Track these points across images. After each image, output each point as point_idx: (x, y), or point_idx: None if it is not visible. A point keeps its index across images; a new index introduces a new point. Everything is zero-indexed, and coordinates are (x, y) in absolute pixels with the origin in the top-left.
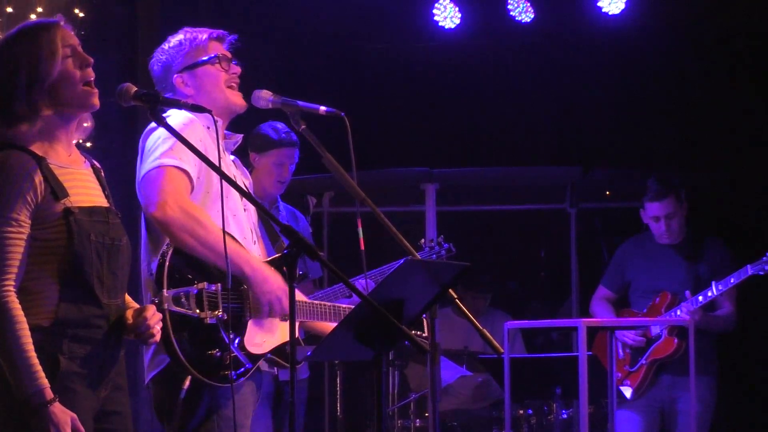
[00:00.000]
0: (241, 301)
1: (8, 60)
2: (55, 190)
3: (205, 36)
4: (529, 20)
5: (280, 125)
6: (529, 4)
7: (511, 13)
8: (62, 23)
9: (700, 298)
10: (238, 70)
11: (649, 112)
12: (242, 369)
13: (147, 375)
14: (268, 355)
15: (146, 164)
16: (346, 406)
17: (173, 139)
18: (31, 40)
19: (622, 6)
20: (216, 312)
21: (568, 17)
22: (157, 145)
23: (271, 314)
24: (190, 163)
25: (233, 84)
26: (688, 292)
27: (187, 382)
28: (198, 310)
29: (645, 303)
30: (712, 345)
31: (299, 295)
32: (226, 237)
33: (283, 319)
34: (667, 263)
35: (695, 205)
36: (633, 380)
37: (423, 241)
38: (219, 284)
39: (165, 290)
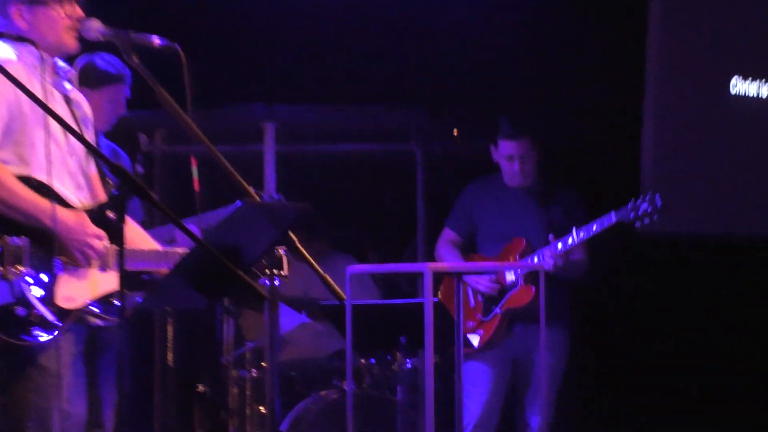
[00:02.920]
0: (51, 253)
1: None
2: None
3: None
4: None
5: (114, 59)
6: None
7: None
8: None
9: (560, 245)
10: (81, 14)
11: (502, 49)
12: (51, 327)
13: None
14: (89, 308)
15: None
16: (178, 357)
17: None
18: None
19: None
20: (20, 268)
21: None
22: None
23: (88, 264)
24: None
25: (72, 30)
26: (551, 236)
27: None
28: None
29: (495, 248)
30: (566, 294)
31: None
32: (25, 189)
33: (102, 269)
34: (518, 207)
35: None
36: (486, 330)
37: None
38: (26, 237)
39: None
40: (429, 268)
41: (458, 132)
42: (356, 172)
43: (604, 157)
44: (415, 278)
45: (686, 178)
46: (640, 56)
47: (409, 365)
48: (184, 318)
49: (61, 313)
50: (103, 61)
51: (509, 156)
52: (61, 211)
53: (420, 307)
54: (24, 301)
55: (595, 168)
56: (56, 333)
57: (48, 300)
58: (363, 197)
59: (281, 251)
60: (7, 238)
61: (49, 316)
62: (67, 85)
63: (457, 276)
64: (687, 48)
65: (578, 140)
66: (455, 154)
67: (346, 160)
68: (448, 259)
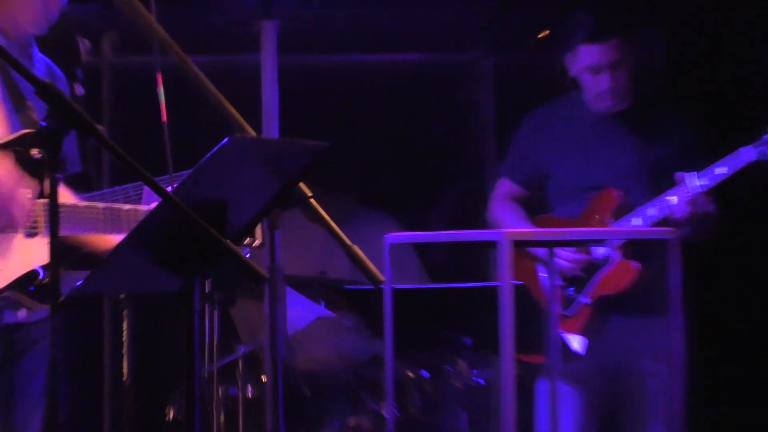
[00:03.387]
0: None
1: None
2: None
3: None
4: None
5: None
6: None
7: None
8: None
9: (674, 198)
10: None
11: None
12: None
13: None
14: (10, 292)
15: None
16: (137, 366)
17: None
18: None
19: None
20: None
21: None
22: None
23: (13, 228)
24: None
25: None
26: (682, 175)
27: None
28: None
29: (575, 205)
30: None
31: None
32: None
33: (30, 234)
34: (607, 143)
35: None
36: (571, 330)
37: None
38: None
39: None
40: (507, 236)
41: (545, 35)
42: (396, 93)
43: (725, 70)
44: (455, 249)
45: None
46: None
47: (478, 379)
48: (145, 309)
49: None
50: None
51: (593, 67)
52: None
53: (492, 293)
54: None
55: (716, 85)
56: None
57: None
58: (405, 130)
59: None
60: None
61: None
62: None
63: (548, 247)
64: None
65: (691, 43)
66: (537, 66)
67: (382, 76)
68: (507, 223)
